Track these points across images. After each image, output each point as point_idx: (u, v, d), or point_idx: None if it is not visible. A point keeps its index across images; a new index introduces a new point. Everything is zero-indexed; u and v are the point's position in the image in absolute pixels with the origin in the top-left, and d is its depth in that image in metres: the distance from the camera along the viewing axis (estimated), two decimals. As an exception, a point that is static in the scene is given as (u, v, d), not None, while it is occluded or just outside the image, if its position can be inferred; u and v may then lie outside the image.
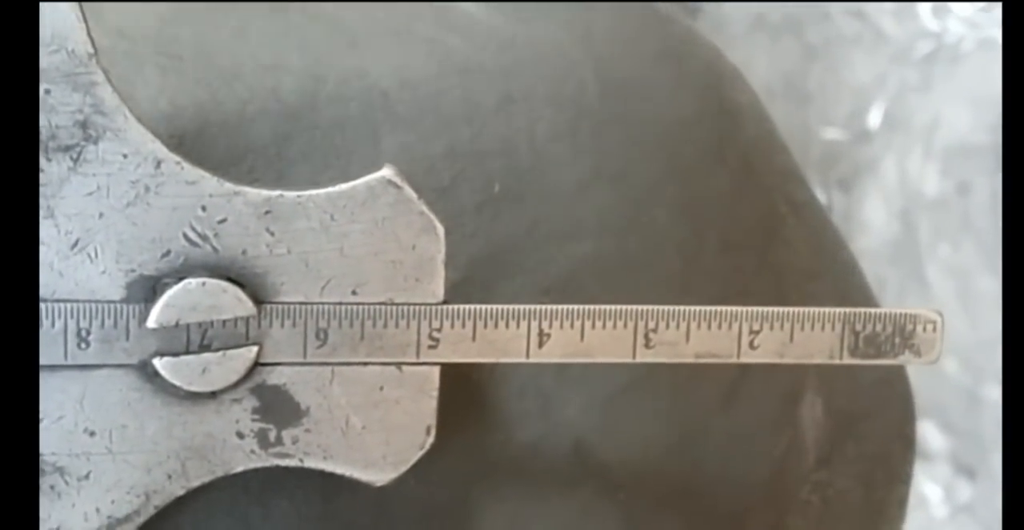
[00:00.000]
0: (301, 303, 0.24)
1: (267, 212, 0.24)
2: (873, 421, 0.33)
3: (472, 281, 0.28)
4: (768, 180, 0.32)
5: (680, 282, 0.29)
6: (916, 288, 0.99)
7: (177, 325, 0.24)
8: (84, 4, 0.23)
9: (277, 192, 0.24)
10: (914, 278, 0.98)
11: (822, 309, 0.26)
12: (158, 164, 0.24)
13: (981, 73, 0.96)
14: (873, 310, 0.26)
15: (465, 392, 0.27)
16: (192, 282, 0.24)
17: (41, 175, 0.23)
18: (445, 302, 0.25)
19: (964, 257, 0.94)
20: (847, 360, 0.26)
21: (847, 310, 0.26)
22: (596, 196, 0.29)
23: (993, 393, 0.85)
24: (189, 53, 0.27)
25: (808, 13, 1.06)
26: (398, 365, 0.25)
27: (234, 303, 0.24)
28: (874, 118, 1.03)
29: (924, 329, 0.26)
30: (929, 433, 0.95)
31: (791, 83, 1.07)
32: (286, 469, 0.25)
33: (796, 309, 0.26)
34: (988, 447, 0.88)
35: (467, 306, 0.25)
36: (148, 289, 0.24)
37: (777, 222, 0.32)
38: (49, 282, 0.23)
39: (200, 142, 0.26)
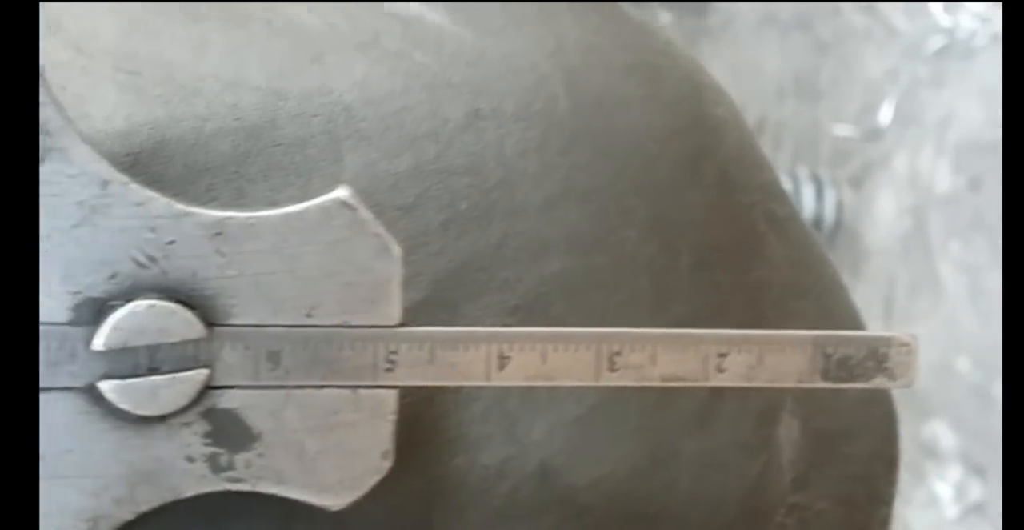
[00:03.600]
0: (253, 326, 0.24)
1: (217, 233, 0.24)
2: (854, 441, 0.32)
3: (436, 301, 0.27)
4: (747, 196, 0.31)
5: (651, 301, 0.29)
6: (927, 285, 0.99)
7: (125, 348, 0.23)
8: (45, 13, 0.23)
9: (228, 213, 0.24)
10: (925, 275, 0.97)
11: (792, 332, 0.25)
12: (105, 185, 0.23)
13: (993, 68, 0.94)
14: (845, 333, 0.25)
15: (426, 414, 0.27)
16: (140, 304, 0.23)
17: (-16, 196, 0.23)
18: (402, 325, 0.24)
19: (976, 254, 0.93)
20: (818, 383, 0.26)
21: (818, 333, 0.25)
22: (565, 213, 0.28)
23: (1004, 392, 0.84)
24: (147, 69, 0.27)
25: (818, 9, 1.05)
26: (354, 388, 0.24)
27: (184, 325, 0.23)
28: (885, 114, 1.03)
29: (898, 352, 0.26)
30: (940, 432, 0.94)
31: (801, 80, 1.06)
32: (241, 493, 0.25)
33: (765, 332, 0.25)
34: (999, 446, 0.87)
35: (424, 329, 0.24)
36: (95, 311, 0.23)
37: (756, 239, 0.31)
38: (-7, 305, 0.23)
39: (157, 160, 0.26)
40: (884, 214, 1.01)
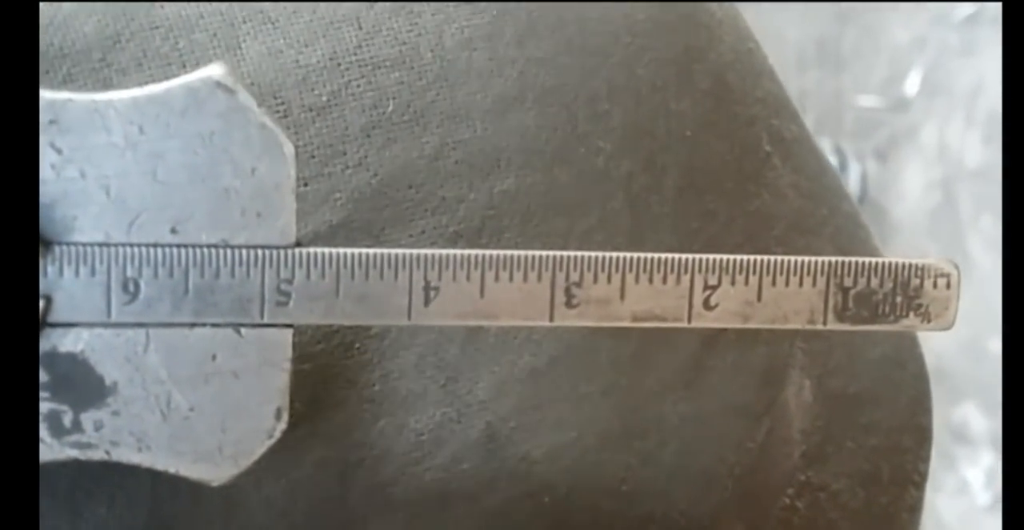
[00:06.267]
0: (101, 244, 0.19)
1: (52, 121, 0.18)
2: (878, 408, 0.26)
3: (354, 224, 0.22)
4: (748, 109, 0.26)
5: (627, 229, 0.23)
6: (957, 261, 0.93)
7: (-69, 271, 0.18)
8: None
9: (65, 95, 0.18)
10: (955, 251, 0.91)
11: (800, 258, 0.20)
12: (-100, 55, 0.18)
13: (1028, 34, 0.88)
14: (867, 259, 0.20)
15: (341, 364, 0.21)
16: (-49, 214, 0.18)
17: None
18: (298, 245, 0.19)
19: (1008, 230, 0.87)
20: (832, 324, 0.20)
21: (833, 259, 0.20)
22: (521, 118, 0.23)
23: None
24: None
25: (841, -28, 0.99)
26: (236, 327, 0.19)
27: (10, 243, 0.18)
28: (912, 84, 0.97)
29: (935, 284, 0.20)
30: (971, 416, 0.89)
31: (824, 48, 1.01)
32: (102, 466, 0.19)
33: (765, 258, 0.20)
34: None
35: (327, 250, 0.19)
36: None
37: (758, 161, 0.25)
38: None
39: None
40: (911, 188, 0.96)
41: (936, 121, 0.94)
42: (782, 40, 1.04)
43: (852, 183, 0.95)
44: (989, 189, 0.89)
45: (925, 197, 0.92)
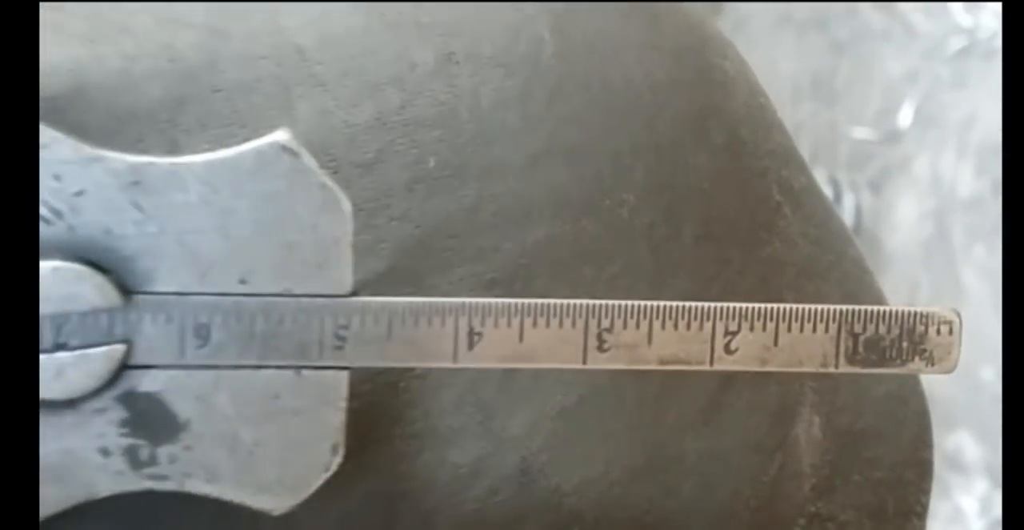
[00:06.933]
0: (177, 294, 0.20)
1: (134, 183, 0.20)
2: (882, 443, 0.28)
3: (399, 272, 0.23)
4: (760, 162, 0.27)
5: (650, 276, 0.25)
6: (950, 291, 0.94)
7: (23, 319, 0.20)
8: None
9: (147, 159, 0.20)
10: (948, 281, 0.93)
11: (814, 306, 0.22)
12: None
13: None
14: (876, 308, 0.22)
15: (388, 403, 0.23)
16: (43, 267, 0.20)
17: None
18: (354, 294, 0.21)
19: (1000, 259, 0.89)
20: (844, 368, 0.22)
21: (844, 307, 0.22)
22: (551, 173, 0.24)
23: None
24: (69, 3, 0.23)
25: (835, 8, 1.01)
26: (297, 369, 0.21)
27: (95, 292, 0.20)
28: (905, 116, 0.99)
29: (938, 331, 0.22)
30: (965, 444, 0.90)
31: (818, 81, 1.03)
32: (172, 496, 0.21)
33: (782, 306, 0.22)
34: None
35: (380, 299, 0.21)
36: (-12, 275, 0.20)
37: (770, 210, 0.27)
38: None
39: (77, 106, 0.22)
40: (905, 219, 0.98)
41: (929, 153, 0.96)
42: (778, 73, 1.06)
43: (847, 214, 0.96)
44: (981, 219, 0.91)
45: (918, 227, 0.94)
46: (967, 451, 0.90)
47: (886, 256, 0.95)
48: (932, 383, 0.31)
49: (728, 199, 0.26)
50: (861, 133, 1.02)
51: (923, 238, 0.96)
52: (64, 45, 0.23)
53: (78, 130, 0.21)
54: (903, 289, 0.93)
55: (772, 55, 1.01)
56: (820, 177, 0.98)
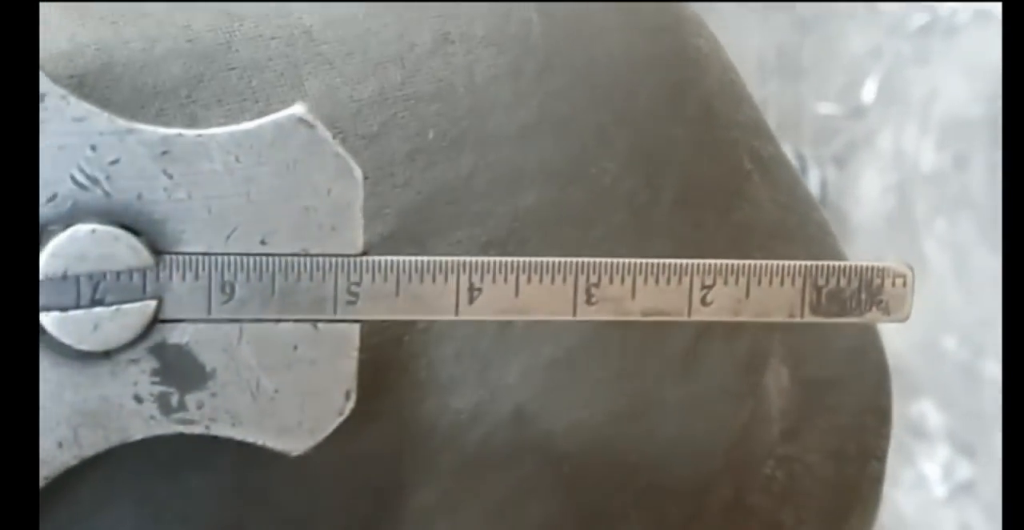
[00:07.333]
0: (204, 254, 0.22)
1: (164, 152, 0.22)
2: (844, 391, 0.31)
3: (402, 235, 0.25)
4: (731, 133, 0.30)
5: (631, 238, 0.27)
6: (913, 263, 0.97)
7: (65, 277, 0.21)
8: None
9: (175, 131, 0.22)
10: (911, 253, 0.96)
11: (781, 262, 0.24)
12: (41, 98, 0.21)
13: (977, 45, 0.93)
14: (837, 263, 0.24)
15: (394, 355, 0.25)
16: (81, 229, 0.22)
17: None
18: (365, 253, 0.23)
19: (962, 232, 0.91)
20: (808, 318, 0.24)
21: (808, 263, 0.24)
22: (540, 143, 0.26)
23: (992, 370, 0.83)
24: None
25: (801, -15, 1.03)
26: (313, 322, 0.23)
27: (128, 253, 0.22)
28: (869, 92, 1.01)
29: (893, 284, 0.24)
30: (928, 412, 0.93)
31: (784, 58, 1.05)
32: (197, 439, 0.23)
33: (752, 262, 0.24)
34: (988, 425, 0.85)
35: (389, 258, 0.23)
36: (32, 237, 0.22)
37: (741, 178, 0.29)
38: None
39: (103, 83, 0.24)
40: (869, 193, 1.00)
41: (892, 128, 0.98)
42: (743, 50, 1.08)
43: (812, 188, 0.99)
44: (943, 193, 0.93)
45: (882, 201, 0.97)
46: (930, 419, 0.92)
47: (851, 229, 0.97)
48: (895, 354, 0.33)
49: (703, 167, 0.29)
50: (826, 108, 1.04)
51: (886, 211, 0.98)
52: (89, 27, 0.24)
53: (104, 106, 0.23)
54: (867, 260, 0.96)
55: (739, 33, 1.03)
56: (786, 152, 1.01)
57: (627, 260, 0.23)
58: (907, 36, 0.98)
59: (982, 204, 0.88)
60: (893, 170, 0.97)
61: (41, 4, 0.24)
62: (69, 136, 0.21)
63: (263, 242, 0.22)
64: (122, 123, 0.22)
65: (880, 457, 0.31)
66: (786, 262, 0.24)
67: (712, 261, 0.24)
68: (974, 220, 0.89)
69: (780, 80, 1.06)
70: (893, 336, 0.35)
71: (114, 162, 0.22)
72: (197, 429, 0.23)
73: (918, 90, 0.97)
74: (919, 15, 0.97)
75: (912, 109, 0.97)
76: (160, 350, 0.22)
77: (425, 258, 0.23)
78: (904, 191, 0.96)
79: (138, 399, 0.22)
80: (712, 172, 0.29)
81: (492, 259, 0.23)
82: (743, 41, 1.05)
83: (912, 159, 0.96)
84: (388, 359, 0.25)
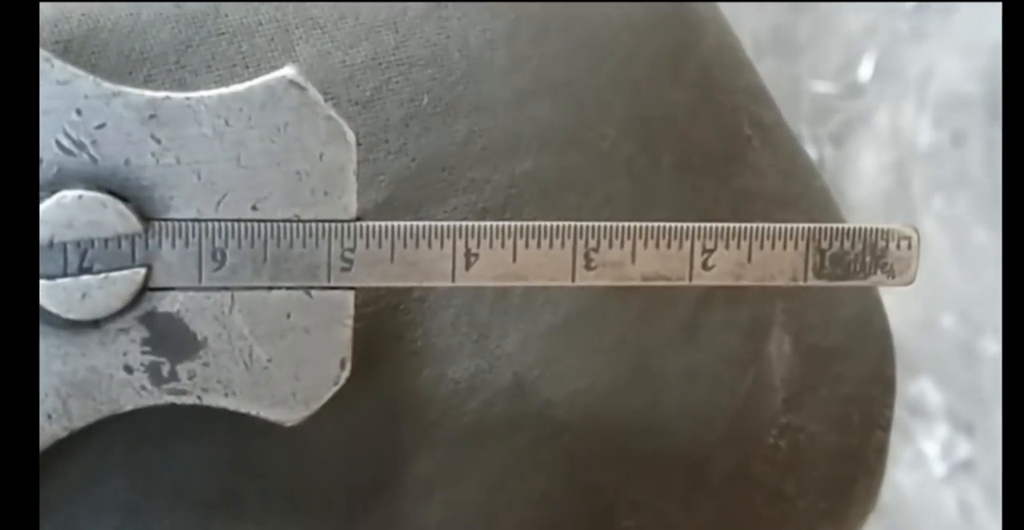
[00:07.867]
0: (194, 220, 0.22)
1: (152, 116, 0.21)
2: (848, 361, 0.30)
3: (397, 202, 0.25)
4: (731, 98, 0.29)
5: (631, 203, 0.26)
6: (910, 243, 0.97)
7: (52, 244, 0.21)
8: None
9: (163, 94, 0.21)
10: (908, 232, 0.95)
11: (783, 225, 0.23)
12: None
13: (974, 22, 0.93)
14: (840, 225, 0.23)
15: (391, 323, 0.25)
16: (67, 195, 0.21)
17: None
18: (358, 219, 0.22)
19: (959, 209, 0.91)
20: (812, 281, 0.23)
21: (811, 226, 0.23)
22: (537, 109, 0.26)
23: (991, 347, 0.82)
24: None
25: (796, -37, 1.03)
26: (306, 290, 0.22)
27: (117, 219, 0.21)
28: (865, 70, 1.01)
29: (898, 246, 0.24)
30: (926, 389, 0.93)
31: (780, 36, 1.04)
32: (189, 409, 0.22)
33: (754, 225, 0.23)
34: (987, 403, 0.85)
35: (383, 223, 0.22)
36: (18, 204, 0.21)
37: (741, 144, 0.29)
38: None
39: (89, 48, 0.24)
40: (866, 171, 0.99)
41: (888, 106, 0.98)
42: (739, 29, 1.08)
43: (810, 166, 0.98)
44: (940, 170, 0.93)
45: (879, 179, 0.96)
46: (928, 397, 0.92)
47: (849, 207, 0.97)
48: (893, 332, 0.33)
49: (702, 132, 0.28)
50: (822, 87, 1.03)
51: (884, 189, 0.98)
52: (75, -8, 0.24)
53: (91, 72, 0.23)
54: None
55: (735, 11, 1.03)
56: (783, 131, 1.00)
57: (627, 224, 0.23)
58: (903, 14, 0.98)
59: (980, 182, 0.87)
60: (890, 148, 0.97)
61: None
62: (53, 100, 0.21)
63: (254, 208, 0.22)
64: (108, 86, 0.21)
65: (884, 427, 0.31)
66: (789, 225, 0.23)
67: (714, 224, 0.23)
68: (972, 198, 0.89)
69: (776, 59, 1.06)
70: (891, 313, 0.34)
71: (100, 126, 0.21)
72: (189, 400, 0.22)
73: (915, 68, 0.97)
74: (914, -7, 0.97)
75: (909, 87, 0.97)
76: (150, 319, 0.22)
77: (420, 223, 0.22)
78: (901, 169, 0.96)
79: (128, 369, 0.22)
80: (712, 137, 0.28)
81: (489, 223, 0.23)
82: (738, 20, 1.04)
83: (909, 137, 0.96)
84: (384, 328, 0.25)
